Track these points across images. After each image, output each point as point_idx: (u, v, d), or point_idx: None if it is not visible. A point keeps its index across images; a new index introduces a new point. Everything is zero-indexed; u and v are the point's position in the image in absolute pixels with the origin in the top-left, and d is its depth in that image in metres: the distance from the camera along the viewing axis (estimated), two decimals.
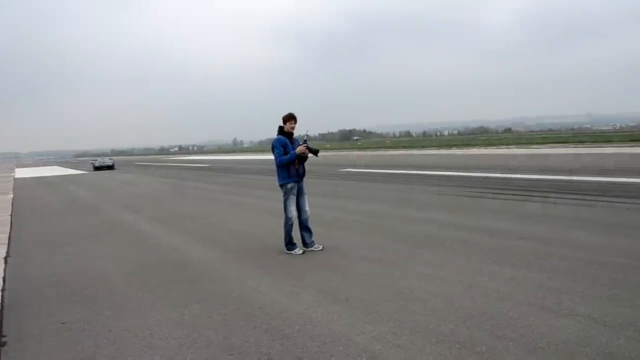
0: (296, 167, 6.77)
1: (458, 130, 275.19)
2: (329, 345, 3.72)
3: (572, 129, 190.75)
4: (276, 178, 6.91)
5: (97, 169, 46.08)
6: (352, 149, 54.49)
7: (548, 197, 11.01)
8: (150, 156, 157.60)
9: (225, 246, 7.61)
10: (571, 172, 16.60)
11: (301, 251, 6.87)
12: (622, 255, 5.70)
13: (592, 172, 16.09)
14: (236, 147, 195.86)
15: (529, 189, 12.74)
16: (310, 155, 6.85)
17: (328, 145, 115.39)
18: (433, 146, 59.86)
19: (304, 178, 6.98)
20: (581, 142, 45.54)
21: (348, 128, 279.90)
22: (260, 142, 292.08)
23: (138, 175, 32.98)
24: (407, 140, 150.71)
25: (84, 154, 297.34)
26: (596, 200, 10.09)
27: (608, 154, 26.94)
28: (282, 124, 6.81)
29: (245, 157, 65.81)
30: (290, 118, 6.78)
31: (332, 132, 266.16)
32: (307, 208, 7.03)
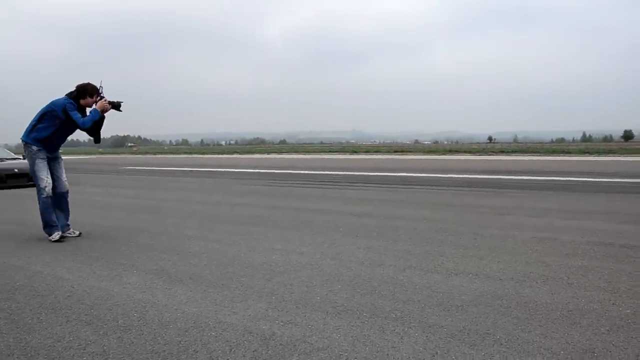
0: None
1: (236, 140, 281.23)
2: (194, 331, 2.61)
3: (341, 143, 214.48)
4: (25, 132, 5.21)
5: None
6: (129, 153, 50.68)
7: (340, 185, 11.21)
8: None
9: None
10: (357, 169, 17.60)
11: (58, 236, 5.14)
12: (454, 223, 5.73)
13: (372, 169, 17.29)
14: None
15: (324, 181, 12.92)
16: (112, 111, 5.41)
17: (101, 150, 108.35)
18: (215, 153, 59.54)
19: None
20: (354, 151, 50.16)
21: (121, 134, 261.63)
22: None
23: None
24: (185, 147, 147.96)
25: None
26: (393, 187, 10.57)
27: (369, 159, 29.81)
28: (72, 94, 5.19)
29: None
30: (96, 93, 5.25)
31: (103, 138, 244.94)
32: (64, 178, 5.44)
